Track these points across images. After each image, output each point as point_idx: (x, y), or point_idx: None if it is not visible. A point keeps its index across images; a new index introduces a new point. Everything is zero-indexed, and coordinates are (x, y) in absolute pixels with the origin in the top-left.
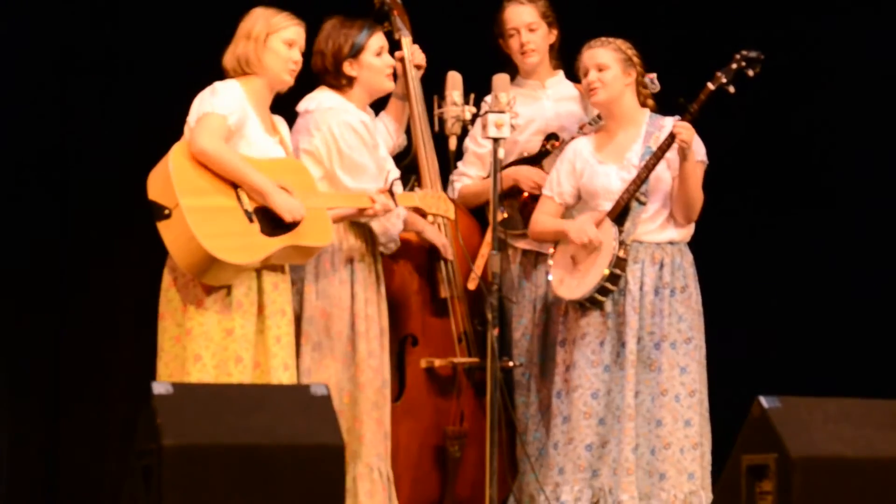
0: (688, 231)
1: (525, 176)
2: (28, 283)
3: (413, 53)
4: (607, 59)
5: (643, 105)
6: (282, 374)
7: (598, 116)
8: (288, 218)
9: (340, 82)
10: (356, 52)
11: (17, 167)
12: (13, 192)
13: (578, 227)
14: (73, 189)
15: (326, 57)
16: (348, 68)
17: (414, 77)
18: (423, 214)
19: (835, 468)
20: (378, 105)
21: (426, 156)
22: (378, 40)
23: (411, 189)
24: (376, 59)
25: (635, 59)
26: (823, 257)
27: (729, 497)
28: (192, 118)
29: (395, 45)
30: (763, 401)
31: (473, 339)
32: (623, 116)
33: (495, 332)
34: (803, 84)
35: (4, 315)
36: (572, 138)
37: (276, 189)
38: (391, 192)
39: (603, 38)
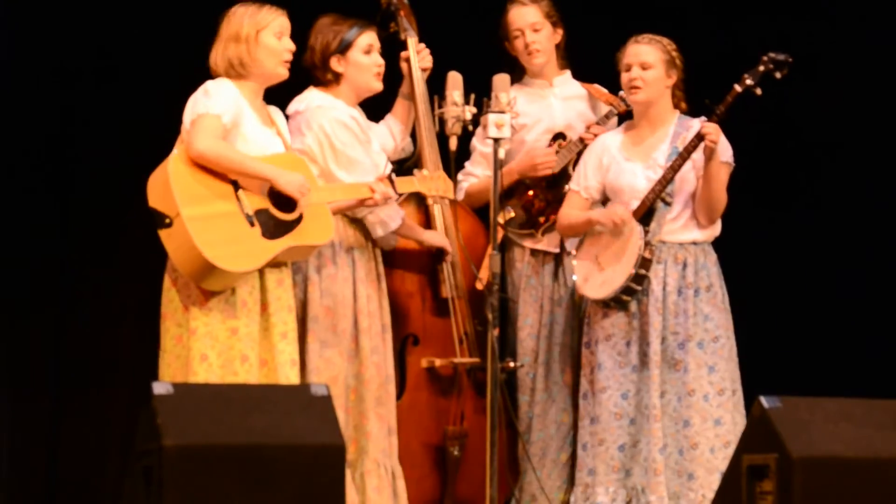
0: (712, 231)
1: (529, 164)
2: (28, 282)
3: (419, 54)
4: (652, 58)
5: (676, 107)
6: (289, 371)
7: (606, 116)
8: (297, 196)
9: (327, 77)
10: (344, 48)
11: (17, 167)
12: (13, 191)
13: (607, 210)
14: (73, 189)
15: (315, 52)
16: (335, 64)
17: (419, 78)
18: (424, 196)
19: (835, 468)
20: (382, 106)
21: (431, 156)
22: (367, 38)
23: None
24: (364, 56)
25: (678, 62)
26: (823, 257)
27: (729, 497)
28: (186, 121)
29: (401, 46)
30: (763, 401)
31: (474, 340)
32: (656, 118)
33: (495, 332)
34: (820, 85)
35: (4, 315)
36: (579, 138)
37: (279, 170)
38: (390, 179)
39: (650, 35)
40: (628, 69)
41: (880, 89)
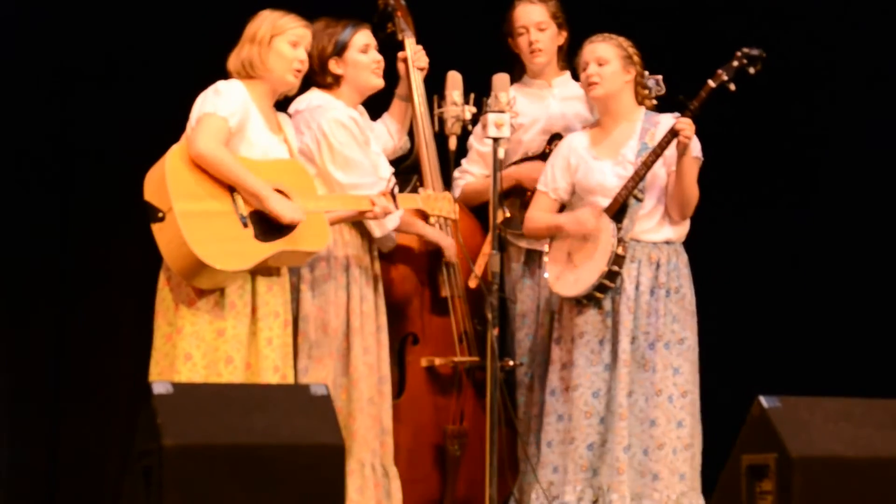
0: (683, 230)
1: (527, 175)
2: (28, 283)
3: (416, 54)
4: (608, 53)
5: (640, 104)
6: (271, 377)
7: None
8: (287, 222)
9: (327, 80)
10: (340, 49)
11: (17, 166)
12: (13, 192)
13: (575, 218)
14: (73, 189)
15: (313, 58)
16: (334, 66)
17: (416, 78)
18: (426, 216)
19: (835, 468)
20: (381, 106)
21: (428, 156)
22: (363, 37)
23: (413, 189)
24: (361, 55)
25: (636, 58)
26: (824, 256)
27: (729, 497)
28: (193, 117)
29: (398, 46)
30: (763, 401)
31: (474, 339)
32: (619, 113)
33: (495, 331)
34: (796, 82)
35: (4, 315)
36: None
37: (273, 193)
38: (392, 195)
39: (604, 34)
40: (586, 68)
41: (864, 86)
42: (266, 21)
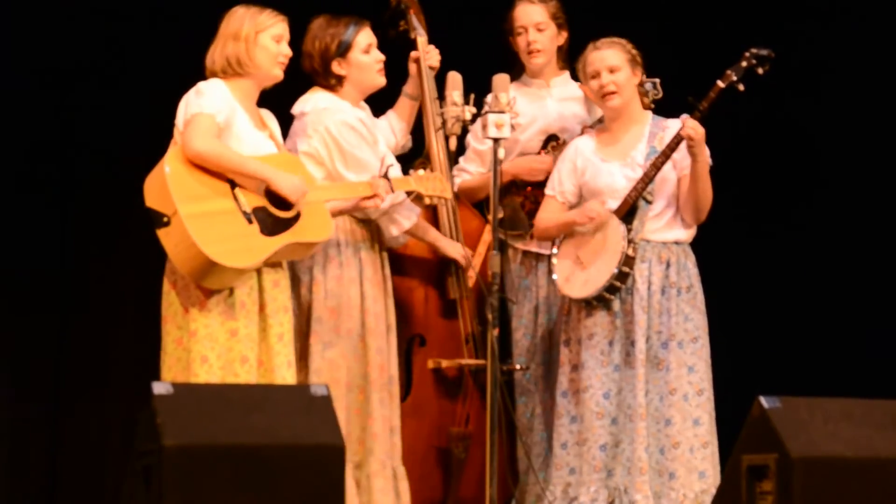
0: (692, 231)
1: (526, 167)
2: (28, 283)
3: (428, 53)
4: (617, 60)
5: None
6: (286, 372)
7: (601, 119)
8: (293, 199)
9: (331, 82)
10: (344, 50)
11: (17, 167)
12: (14, 191)
13: (583, 210)
14: (73, 189)
15: (315, 58)
16: (337, 67)
17: (429, 77)
18: (420, 196)
19: (835, 468)
20: (384, 103)
21: (440, 157)
22: (365, 37)
23: (418, 197)
24: (365, 56)
25: (638, 59)
26: (824, 257)
27: (729, 497)
28: (179, 121)
29: (411, 45)
30: (763, 401)
31: (479, 341)
32: (630, 118)
33: (495, 332)
34: (805, 83)
35: (5, 315)
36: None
37: (277, 171)
38: (387, 178)
39: (608, 39)
40: (596, 76)
41: (867, 88)
42: (247, 19)
